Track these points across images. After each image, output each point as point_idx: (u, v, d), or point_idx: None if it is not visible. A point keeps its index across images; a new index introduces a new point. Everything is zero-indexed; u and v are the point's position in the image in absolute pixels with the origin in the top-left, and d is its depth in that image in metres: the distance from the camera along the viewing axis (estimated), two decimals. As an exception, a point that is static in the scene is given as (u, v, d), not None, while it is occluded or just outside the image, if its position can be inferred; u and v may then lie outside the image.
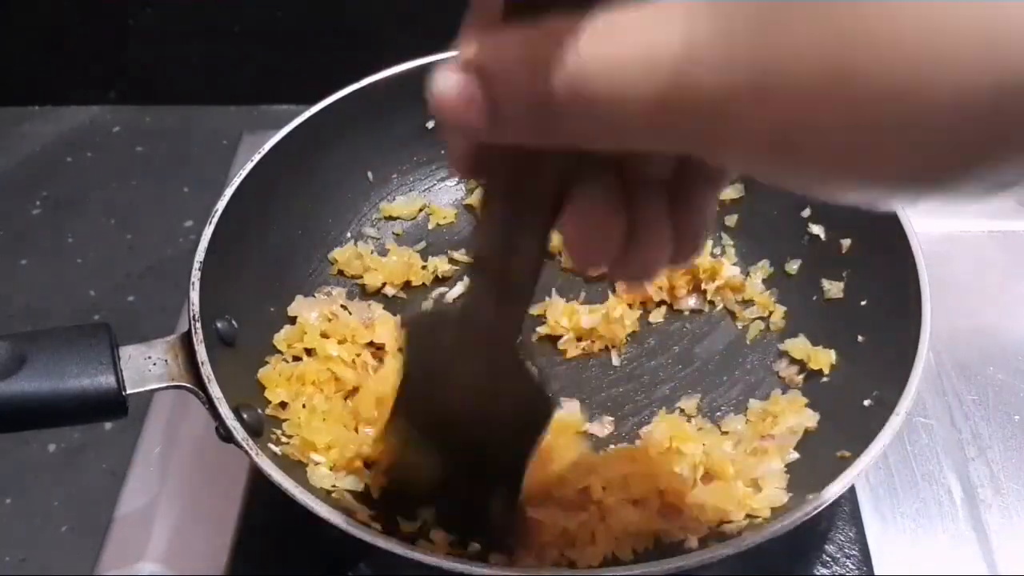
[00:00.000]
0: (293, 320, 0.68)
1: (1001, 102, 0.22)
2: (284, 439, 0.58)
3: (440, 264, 0.74)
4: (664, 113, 0.26)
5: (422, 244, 0.76)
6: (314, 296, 0.71)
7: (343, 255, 0.73)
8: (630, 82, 0.26)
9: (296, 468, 0.57)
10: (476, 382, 0.46)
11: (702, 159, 0.29)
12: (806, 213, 0.72)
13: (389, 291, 0.72)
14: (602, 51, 0.26)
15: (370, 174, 0.77)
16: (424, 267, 0.73)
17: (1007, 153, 0.23)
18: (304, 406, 0.61)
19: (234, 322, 0.62)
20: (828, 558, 0.61)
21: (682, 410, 0.65)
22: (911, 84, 0.22)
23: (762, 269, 0.72)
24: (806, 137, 0.25)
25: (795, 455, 0.60)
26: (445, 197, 0.80)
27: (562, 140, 0.29)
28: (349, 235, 0.76)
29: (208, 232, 0.62)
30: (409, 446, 0.54)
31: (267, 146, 0.68)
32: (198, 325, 0.56)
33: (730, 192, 0.75)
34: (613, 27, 0.26)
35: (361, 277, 0.73)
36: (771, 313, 0.70)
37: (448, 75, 0.30)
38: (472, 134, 0.32)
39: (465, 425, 0.48)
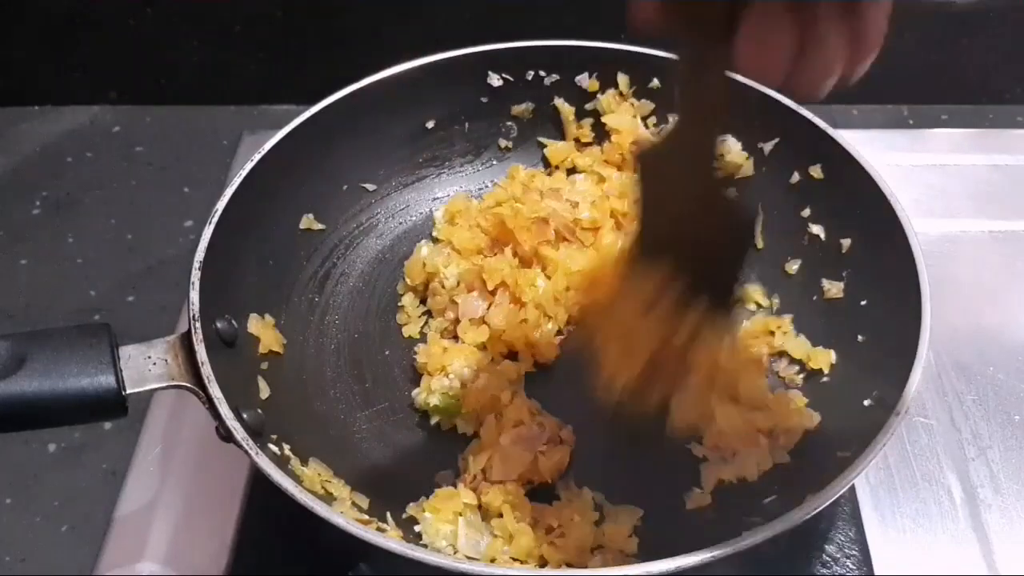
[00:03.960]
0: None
1: None
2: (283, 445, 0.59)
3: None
4: None
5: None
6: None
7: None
8: None
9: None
10: (687, 203, 0.51)
11: None
12: (806, 213, 0.72)
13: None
14: None
15: (370, 174, 0.78)
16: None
17: None
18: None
19: (234, 322, 0.62)
20: (828, 558, 0.61)
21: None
22: None
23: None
24: None
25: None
26: (445, 196, 0.80)
27: None
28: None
29: (208, 232, 0.62)
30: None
31: (267, 146, 0.68)
32: (198, 325, 0.56)
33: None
34: None
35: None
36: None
37: None
38: None
39: (686, 242, 0.53)
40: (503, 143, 0.81)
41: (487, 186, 0.81)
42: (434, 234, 0.77)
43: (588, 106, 0.79)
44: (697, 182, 0.50)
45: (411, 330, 0.72)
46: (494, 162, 0.82)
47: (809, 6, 0.36)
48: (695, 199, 0.51)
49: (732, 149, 0.74)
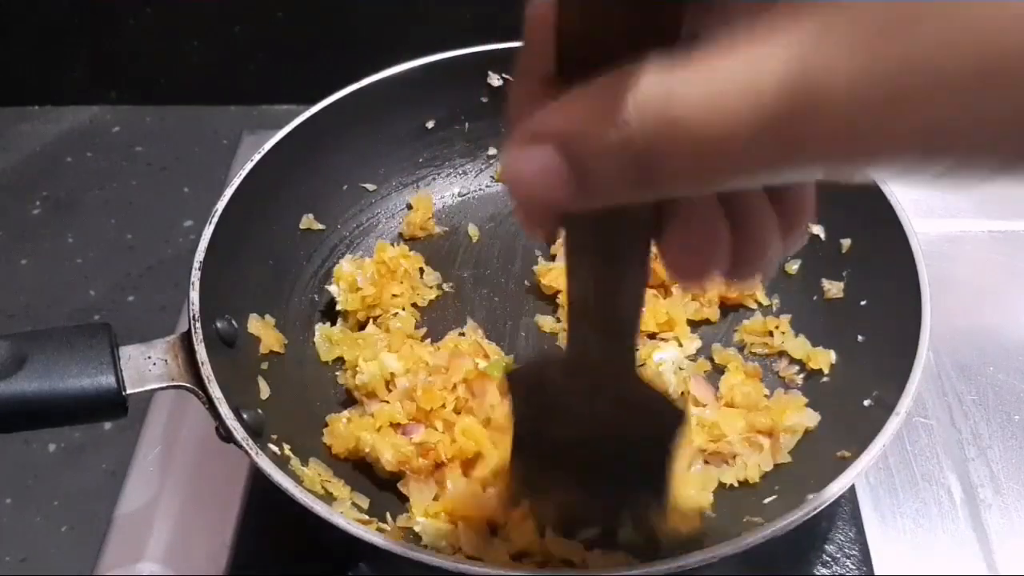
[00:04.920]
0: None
1: None
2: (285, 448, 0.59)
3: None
4: (782, 135, 0.24)
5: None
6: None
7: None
8: (731, 107, 0.24)
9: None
10: (600, 417, 0.44)
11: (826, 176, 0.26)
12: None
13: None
14: (694, 85, 0.24)
15: (370, 174, 0.78)
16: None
17: None
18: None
19: (234, 322, 0.62)
20: (828, 558, 0.61)
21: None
22: None
23: None
24: (961, 132, 0.23)
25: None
26: (445, 195, 0.80)
27: (662, 190, 0.27)
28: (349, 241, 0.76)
29: (208, 232, 0.62)
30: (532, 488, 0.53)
31: (267, 146, 0.68)
32: (198, 325, 0.56)
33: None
34: (697, 61, 0.24)
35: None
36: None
37: (520, 151, 0.27)
38: (559, 206, 0.28)
39: (596, 457, 0.47)
40: (503, 143, 0.81)
41: (487, 186, 0.81)
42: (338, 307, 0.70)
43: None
44: (613, 394, 0.43)
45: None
46: (494, 162, 0.82)
47: (735, 199, 0.32)
48: (608, 410, 0.44)
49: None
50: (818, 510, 0.49)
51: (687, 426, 0.46)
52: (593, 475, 0.48)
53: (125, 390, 0.53)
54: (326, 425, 0.63)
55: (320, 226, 0.74)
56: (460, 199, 0.81)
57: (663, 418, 0.44)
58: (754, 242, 0.33)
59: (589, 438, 0.46)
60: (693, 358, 0.68)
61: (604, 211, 0.28)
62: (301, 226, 0.73)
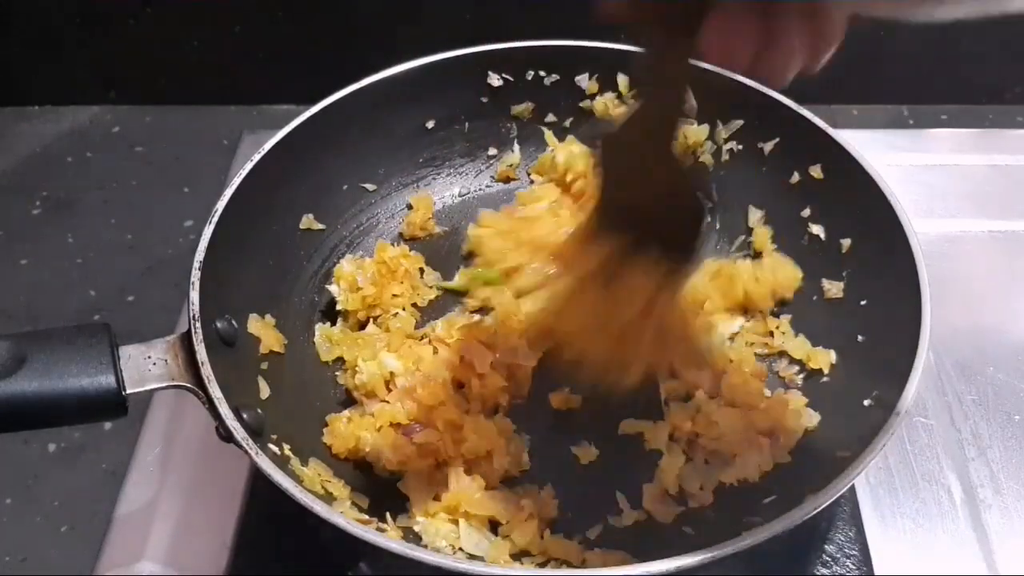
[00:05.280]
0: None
1: None
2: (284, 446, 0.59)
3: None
4: None
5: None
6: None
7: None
8: None
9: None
10: (643, 179, 0.54)
11: None
12: (806, 213, 0.72)
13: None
14: None
15: (370, 174, 0.78)
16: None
17: None
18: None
19: (234, 322, 0.62)
20: (828, 558, 0.61)
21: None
22: None
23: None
24: None
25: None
26: (445, 195, 0.80)
27: None
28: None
29: (208, 232, 0.62)
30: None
31: (267, 146, 0.68)
32: (198, 325, 0.56)
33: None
34: None
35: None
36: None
37: None
38: None
39: (646, 214, 0.55)
40: (503, 143, 0.82)
41: (487, 186, 0.81)
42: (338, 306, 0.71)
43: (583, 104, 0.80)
44: (657, 160, 0.52)
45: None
46: (494, 162, 0.82)
47: (771, 6, 0.39)
48: (655, 175, 0.53)
49: (693, 129, 0.76)
50: (818, 510, 0.49)
51: (701, 223, 0.54)
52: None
53: (125, 390, 0.53)
54: (326, 425, 0.63)
55: (320, 226, 0.74)
56: (460, 199, 0.81)
57: (686, 203, 0.53)
58: (780, 48, 0.39)
59: (638, 199, 0.55)
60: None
61: None
62: (301, 226, 0.73)
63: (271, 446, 0.56)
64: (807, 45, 0.40)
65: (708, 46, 0.40)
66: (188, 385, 0.54)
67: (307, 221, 0.73)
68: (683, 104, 0.51)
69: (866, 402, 0.58)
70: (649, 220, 0.55)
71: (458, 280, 0.74)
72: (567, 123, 0.81)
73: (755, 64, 0.40)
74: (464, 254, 0.76)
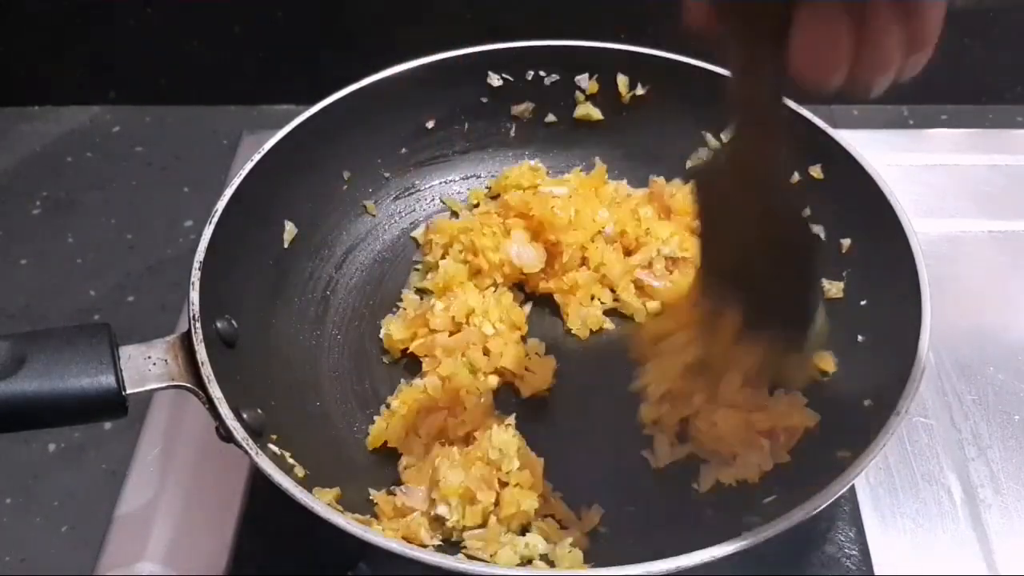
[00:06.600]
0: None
1: None
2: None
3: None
4: None
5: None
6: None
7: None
8: None
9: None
10: (753, 221, 0.50)
11: None
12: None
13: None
14: None
15: (370, 174, 0.78)
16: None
17: None
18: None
19: (234, 322, 0.62)
20: (828, 558, 0.61)
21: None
22: None
23: None
24: None
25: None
26: (445, 195, 0.80)
27: None
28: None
29: (208, 232, 0.62)
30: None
31: (267, 146, 0.68)
32: (198, 325, 0.56)
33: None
34: None
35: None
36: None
37: None
38: None
39: (752, 265, 0.52)
40: (503, 143, 0.82)
41: (485, 186, 0.81)
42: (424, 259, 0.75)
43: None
44: (762, 196, 0.48)
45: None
46: (494, 162, 0.82)
47: (863, 5, 0.36)
48: (761, 214, 0.49)
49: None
50: (818, 510, 0.49)
51: (816, 258, 0.52)
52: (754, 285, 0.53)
53: (125, 390, 0.53)
54: (327, 425, 0.63)
55: (320, 226, 0.74)
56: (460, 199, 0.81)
57: (801, 240, 0.50)
58: (875, 51, 0.36)
59: (749, 245, 0.51)
60: None
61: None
62: (301, 226, 0.73)
63: (271, 446, 0.56)
64: (903, 49, 0.37)
65: (799, 56, 0.37)
66: (188, 385, 0.54)
67: (307, 221, 0.73)
68: (781, 127, 0.46)
69: (866, 402, 0.58)
70: (757, 290, 0.51)
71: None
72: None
73: (847, 75, 0.37)
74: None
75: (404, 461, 0.62)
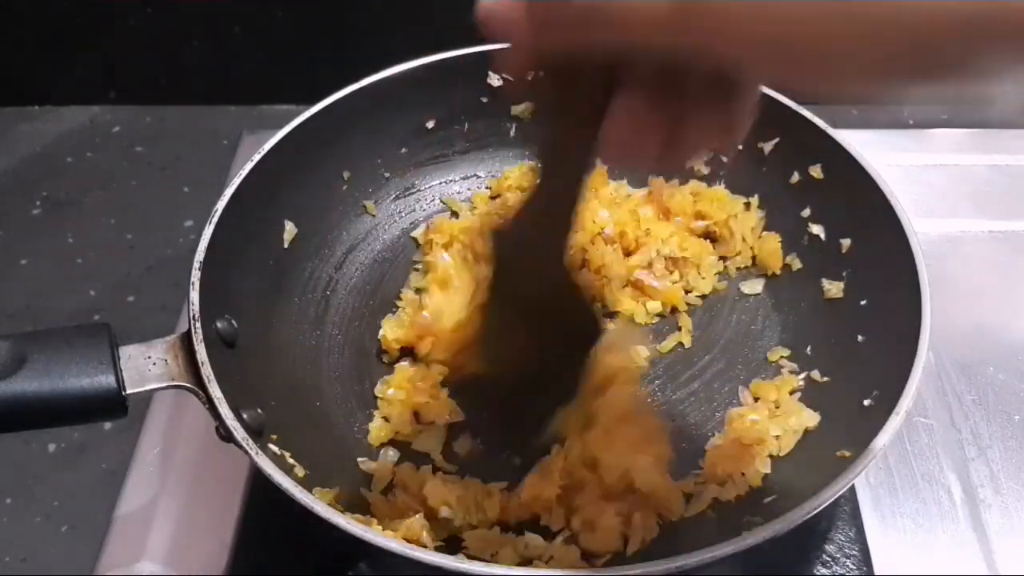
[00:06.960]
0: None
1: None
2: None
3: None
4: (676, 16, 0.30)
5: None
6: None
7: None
8: None
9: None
10: (536, 288, 0.51)
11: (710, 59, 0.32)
12: (806, 213, 0.72)
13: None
14: None
15: (370, 174, 0.78)
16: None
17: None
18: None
19: (234, 322, 0.62)
20: (828, 558, 0.61)
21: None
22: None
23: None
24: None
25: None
26: (445, 195, 0.80)
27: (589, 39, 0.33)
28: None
29: (208, 232, 0.62)
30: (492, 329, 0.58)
31: (267, 146, 0.68)
32: (198, 325, 0.56)
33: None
34: None
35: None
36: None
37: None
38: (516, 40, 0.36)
39: (531, 328, 0.53)
40: (503, 143, 0.82)
41: (486, 187, 0.81)
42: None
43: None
44: (549, 265, 0.49)
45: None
46: (494, 162, 0.82)
47: (678, 101, 0.37)
48: (546, 284, 0.50)
49: None
50: (818, 510, 0.49)
51: (597, 340, 0.52)
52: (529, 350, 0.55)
53: (125, 390, 0.53)
54: (327, 425, 0.63)
55: (320, 226, 0.74)
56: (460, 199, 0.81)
57: (582, 320, 0.51)
58: (687, 143, 0.38)
59: (528, 309, 0.52)
60: None
61: (563, 79, 0.38)
62: (301, 226, 0.73)
63: (271, 446, 0.56)
64: (714, 139, 0.39)
65: (608, 146, 0.38)
66: (188, 385, 0.54)
67: (307, 221, 0.73)
68: (580, 199, 0.45)
69: (866, 402, 0.58)
70: (543, 324, 0.52)
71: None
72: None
73: (661, 158, 0.38)
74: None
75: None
